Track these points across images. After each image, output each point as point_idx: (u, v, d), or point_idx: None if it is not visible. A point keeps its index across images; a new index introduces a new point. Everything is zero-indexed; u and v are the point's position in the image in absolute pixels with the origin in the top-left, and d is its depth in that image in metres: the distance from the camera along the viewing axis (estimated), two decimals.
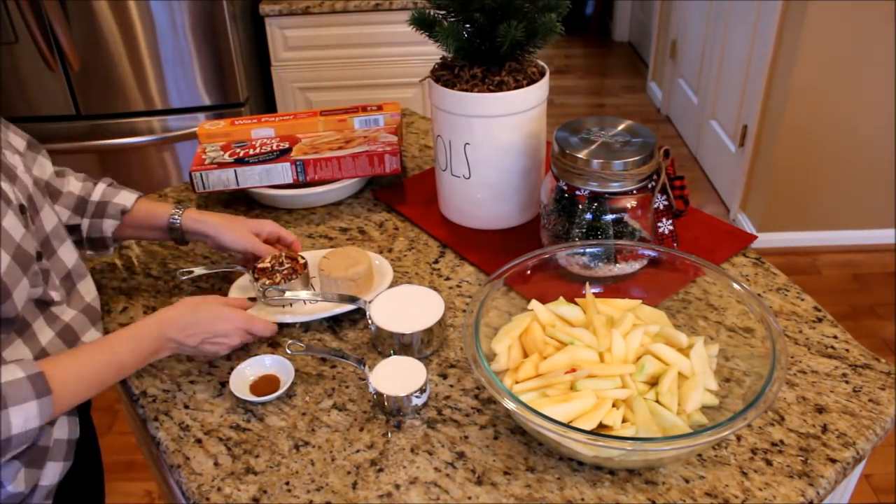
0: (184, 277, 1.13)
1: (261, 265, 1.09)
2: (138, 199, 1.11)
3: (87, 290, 1.01)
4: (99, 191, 1.09)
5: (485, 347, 0.87)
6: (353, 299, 1.04)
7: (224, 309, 0.96)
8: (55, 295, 0.92)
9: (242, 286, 1.13)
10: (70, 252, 0.99)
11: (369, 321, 1.01)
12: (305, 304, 1.08)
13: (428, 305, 1.01)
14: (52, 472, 0.92)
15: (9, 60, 2.25)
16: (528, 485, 0.83)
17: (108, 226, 1.09)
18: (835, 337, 1.02)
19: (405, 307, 1.02)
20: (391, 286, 1.09)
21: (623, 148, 1.05)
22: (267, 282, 1.07)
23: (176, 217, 1.11)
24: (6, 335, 0.86)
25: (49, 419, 0.79)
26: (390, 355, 0.98)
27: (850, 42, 2.45)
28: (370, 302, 1.03)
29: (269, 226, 1.14)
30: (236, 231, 1.10)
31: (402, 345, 0.99)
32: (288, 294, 1.04)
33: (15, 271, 0.81)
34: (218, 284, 1.18)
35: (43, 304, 0.92)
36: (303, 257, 1.12)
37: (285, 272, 1.08)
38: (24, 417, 0.76)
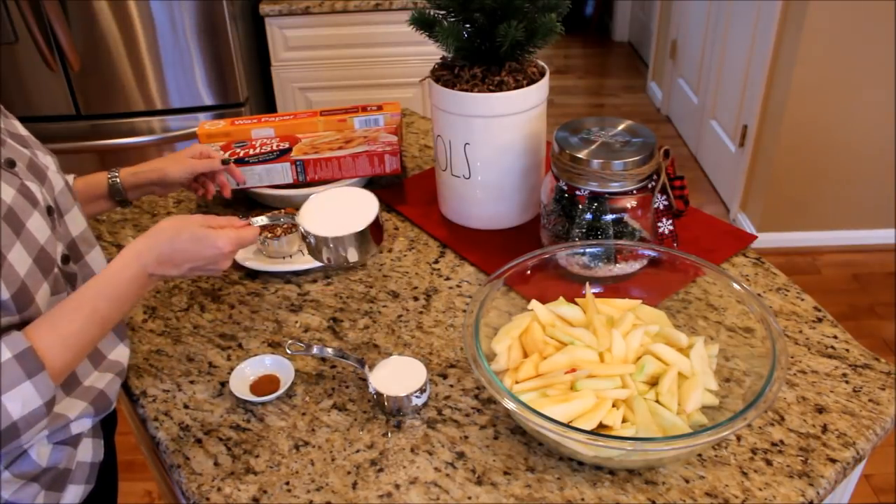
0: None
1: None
2: (75, 178, 1.09)
3: None
4: None
5: (485, 347, 0.87)
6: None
7: (206, 232, 0.87)
8: None
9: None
10: (99, 259, 0.96)
11: (302, 232, 0.96)
12: (303, 255, 1.20)
13: (361, 207, 0.95)
14: (73, 496, 0.89)
15: (9, 60, 2.25)
16: (528, 485, 0.83)
17: None
18: (835, 337, 1.02)
19: (337, 211, 0.96)
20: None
21: (623, 148, 1.05)
22: (269, 235, 1.19)
23: (115, 177, 1.10)
24: None
25: (52, 395, 0.74)
26: (328, 263, 0.96)
27: (850, 42, 2.45)
28: (298, 210, 0.98)
29: (196, 147, 1.17)
30: (178, 162, 1.13)
31: (337, 251, 0.94)
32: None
33: (36, 274, 0.78)
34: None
35: None
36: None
37: (285, 227, 1.20)
38: (20, 402, 0.71)
